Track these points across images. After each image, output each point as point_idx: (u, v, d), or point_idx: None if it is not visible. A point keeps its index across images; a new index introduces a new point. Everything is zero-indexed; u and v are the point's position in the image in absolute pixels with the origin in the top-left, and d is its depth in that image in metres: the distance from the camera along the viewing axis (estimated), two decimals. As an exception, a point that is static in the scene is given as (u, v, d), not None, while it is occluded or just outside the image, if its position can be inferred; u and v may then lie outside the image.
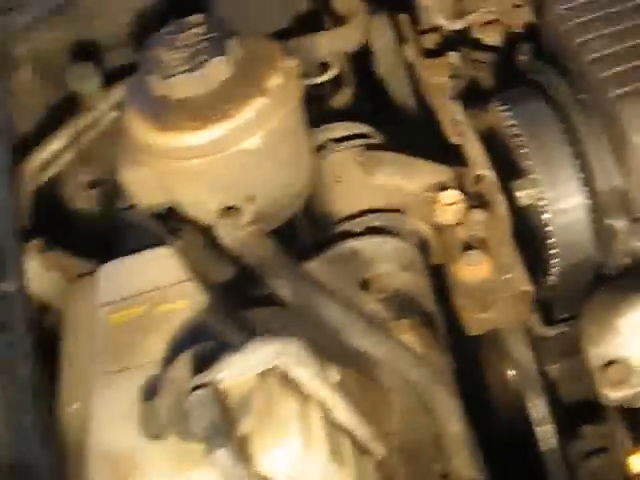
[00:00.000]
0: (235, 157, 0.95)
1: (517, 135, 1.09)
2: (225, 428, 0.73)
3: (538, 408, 1.23)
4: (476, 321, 1.17)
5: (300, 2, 1.44)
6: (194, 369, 0.78)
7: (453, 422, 1.09)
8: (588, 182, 1.03)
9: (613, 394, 0.99)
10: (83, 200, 1.24)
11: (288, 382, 0.81)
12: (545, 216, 1.05)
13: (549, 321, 1.22)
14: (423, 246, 1.18)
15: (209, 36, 0.95)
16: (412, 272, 1.15)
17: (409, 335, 1.14)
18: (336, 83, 1.39)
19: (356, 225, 1.14)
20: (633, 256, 1.04)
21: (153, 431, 0.79)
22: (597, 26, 1.05)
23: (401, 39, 1.42)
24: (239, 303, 0.97)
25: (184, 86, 0.93)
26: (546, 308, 1.22)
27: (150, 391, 0.82)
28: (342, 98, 1.39)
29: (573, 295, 1.13)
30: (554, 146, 1.05)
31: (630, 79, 0.99)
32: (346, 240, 1.12)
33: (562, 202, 1.05)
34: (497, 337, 1.27)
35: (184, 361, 0.80)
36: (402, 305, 1.14)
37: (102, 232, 1.17)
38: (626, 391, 0.98)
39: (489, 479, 1.12)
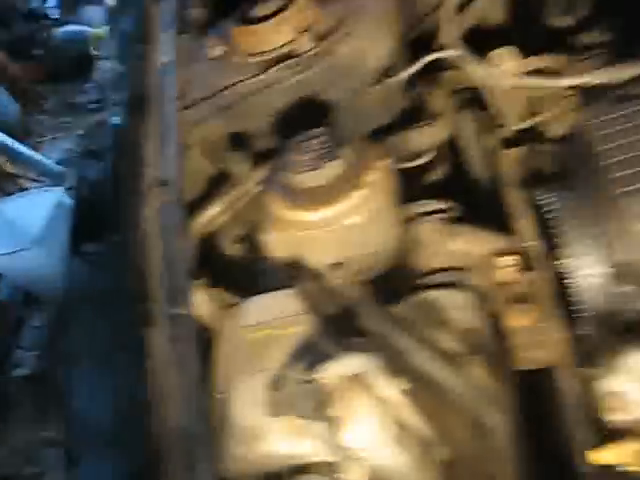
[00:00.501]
0: (341, 230, 1.34)
1: (558, 218, 1.41)
2: (323, 410, 1.11)
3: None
4: (526, 359, 1.50)
5: (399, 101, 1.73)
6: (304, 370, 1.17)
7: (503, 441, 1.42)
8: (606, 256, 1.35)
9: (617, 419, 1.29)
10: (234, 250, 1.65)
11: (368, 386, 1.19)
12: (574, 280, 1.37)
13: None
14: (486, 298, 1.53)
15: (328, 145, 1.35)
16: (477, 318, 1.49)
17: (479, 369, 1.49)
18: (429, 166, 1.75)
19: (434, 279, 1.50)
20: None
21: (276, 411, 1.18)
22: (618, 138, 1.35)
23: (482, 131, 1.78)
24: (341, 332, 1.35)
25: (309, 180, 1.33)
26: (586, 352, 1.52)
27: (274, 385, 1.21)
28: (433, 179, 1.75)
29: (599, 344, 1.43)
30: (582, 228, 1.37)
31: (636, 179, 1.28)
32: (426, 290, 1.49)
33: (587, 269, 1.36)
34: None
35: (298, 365, 1.19)
36: (471, 344, 1.49)
37: (248, 275, 1.57)
38: (622, 417, 1.27)
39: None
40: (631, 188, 1.26)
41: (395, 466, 1.23)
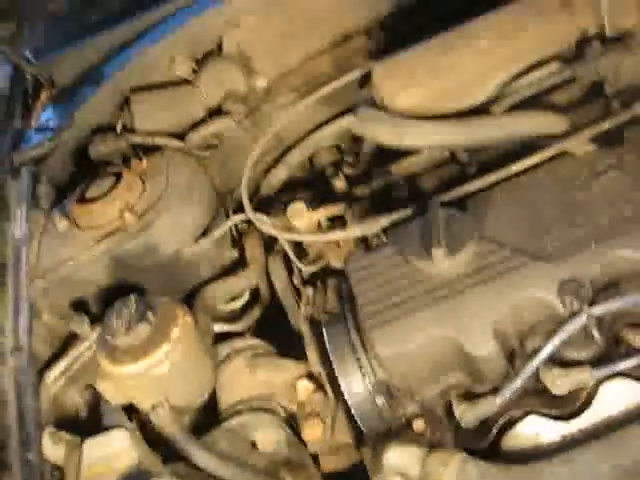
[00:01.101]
0: (153, 379, 1.66)
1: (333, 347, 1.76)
2: None
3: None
4: (328, 463, 1.84)
5: (224, 253, 2.04)
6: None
7: None
8: (366, 376, 1.68)
9: None
10: (81, 399, 1.93)
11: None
12: (345, 396, 1.70)
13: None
14: (290, 417, 1.85)
15: (139, 309, 1.69)
16: (283, 434, 1.82)
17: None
18: (246, 308, 2.07)
19: (243, 406, 1.82)
20: (401, 418, 1.67)
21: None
22: (369, 282, 1.63)
23: (290, 272, 2.12)
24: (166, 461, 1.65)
25: (123, 341, 1.66)
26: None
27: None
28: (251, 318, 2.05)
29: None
30: (348, 352, 1.67)
31: (380, 317, 1.54)
32: (236, 416, 1.81)
33: (352, 386, 1.62)
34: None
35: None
36: (280, 458, 1.79)
37: (92, 419, 1.83)
38: None
39: None
40: (376, 322, 1.57)
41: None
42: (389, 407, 1.62)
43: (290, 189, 2.14)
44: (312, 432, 1.73)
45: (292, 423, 1.79)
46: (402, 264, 1.60)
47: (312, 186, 2.13)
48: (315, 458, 1.75)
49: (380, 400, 1.63)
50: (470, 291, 1.54)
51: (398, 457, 1.53)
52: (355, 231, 1.83)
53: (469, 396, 1.56)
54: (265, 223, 1.93)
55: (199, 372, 1.71)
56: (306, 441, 1.75)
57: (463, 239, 1.57)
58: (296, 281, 1.96)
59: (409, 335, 1.48)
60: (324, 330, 1.69)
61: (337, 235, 1.84)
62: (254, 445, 1.74)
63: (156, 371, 1.62)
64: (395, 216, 1.75)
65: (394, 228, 1.71)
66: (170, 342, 1.63)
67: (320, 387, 1.79)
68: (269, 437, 1.75)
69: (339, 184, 2.02)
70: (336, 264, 1.87)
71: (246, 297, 2.03)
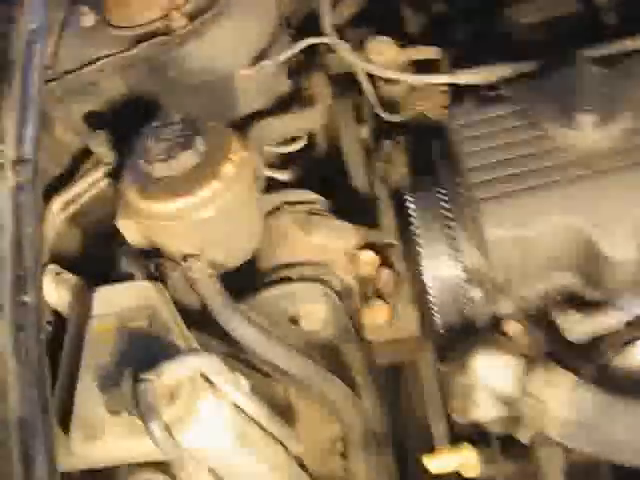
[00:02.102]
0: (193, 223, 1.30)
1: (418, 216, 1.41)
2: (158, 410, 1.08)
3: (439, 428, 1.55)
4: (382, 353, 1.52)
5: (274, 85, 1.69)
6: (145, 367, 1.13)
7: (356, 429, 1.44)
8: (459, 259, 1.36)
9: (460, 420, 1.32)
10: (92, 235, 1.60)
11: (208, 385, 1.17)
12: (425, 280, 1.38)
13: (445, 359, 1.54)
14: (345, 293, 1.53)
15: (183, 132, 1.31)
16: (335, 312, 1.49)
17: (337, 364, 1.49)
18: (299, 154, 1.73)
19: (293, 273, 1.48)
20: (490, 317, 1.36)
21: (114, 409, 1.15)
22: (479, 142, 1.33)
23: (359, 120, 1.77)
24: (191, 327, 1.33)
25: (162, 170, 1.29)
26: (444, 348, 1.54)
27: (113, 381, 1.17)
28: (302, 168, 1.72)
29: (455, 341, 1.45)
30: (437, 228, 1.37)
31: (493, 188, 1.26)
32: (283, 283, 1.48)
33: (438, 271, 1.37)
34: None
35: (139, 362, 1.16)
36: (328, 339, 1.50)
37: (103, 262, 1.51)
38: (469, 419, 1.30)
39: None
40: (488, 195, 1.26)
41: (242, 467, 1.23)
42: (478, 302, 1.32)
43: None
44: (374, 316, 1.42)
45: (347, 301, 1.48)
46: (527, 128, 1.32)
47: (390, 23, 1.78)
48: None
49: (469, 292, 1.31)
50: (617, 174, 1.23)
51: (488, 367, 1.20)
52: (461, 77, 1.47)
53: (576, 303, 1.29)
54: (347, 50, 1.52)
55: (248, 224, 1.39)
56: (364, 325, 1.45)
57: (618, 107, 1.25)
58: (366, 134, 1.70)
59: (529, 218, 1.23)
60: (409, 197, 1.40)
61: (439, 78, 1.44)
62: (293, 321, 1.45)
63: (199, 214, 1.27)
64: (516, 66, 1.46)
65: (515, 82, 1.44)
66: (222, 180, 1.27)
67: (387, 263, 1.48)
68: (316, 313, 1.46)
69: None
70: (429, 115, 1.58)
71: (302, 142, 1.71)
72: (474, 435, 1.38)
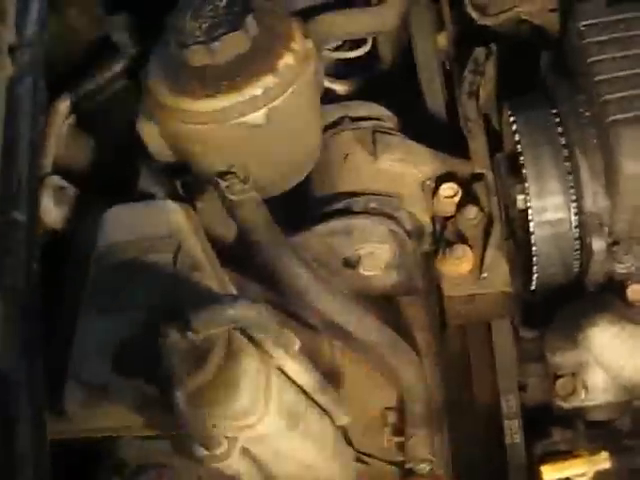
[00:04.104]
0: (237, 128, 1.01)
1: (518, 142, 1.12)
2: (183, 374, 0.81)
3: (509, 402, 1.29)
4: (457, 313, 1.24)
5: None
6: (168, 318, 0.85)
7: (418, 401, 1.17)
8: (576, 199, 1.07)
9: (563, 404, 1.05)
10: (106, 142, 1.31)
11: (250, 342, 0.88)
12: (530, 225, 1.09)
13: (530, 324, 1.27)
14: (417, 233, 1.24)
15: (231, 10, 1.00)
16: (402, 255, 1.21)
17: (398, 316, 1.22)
18: (366, 59, 1.43)
19: (355, 204, 1.20)
20: (607, 277, 1.08)
21: (124, 368, 0.88)
22: (612, 48, 1.06)
23: (438, 24, 1.45)
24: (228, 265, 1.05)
25: (200, 56, 0.99)
26: (531, 311, 1.27)
27: (128, 334, 0.90)
28: (369, 75, 1.43)
29: (551, 303, 1.17)
30: (549, 158, 1.09)
31: (632, 106, 1.01)
32: (342, 217, 1.19)
33: (548, 214, 1.09)
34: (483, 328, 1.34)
35: (158, 308, 0.88)
36: (392, 286, 1.22)
37: (117, 176, 1.24)
38: (574, 404, 1.03)
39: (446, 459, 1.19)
40: (626, 116, 0.96)
41: (283, 444, 0.98)
42: (596, 257, 1.04)
43: None
44: (454, 264, 1.16)
45: (418, 244, 1.24)
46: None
47: None
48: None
49: (586, 242, 0.99)
50: None
51: (609, 342, 0.92)
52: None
53: None
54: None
55: (305, 137, 1.14)
56: (439, 276, 1.20)
57: None
58: (445, 41, 1.40)
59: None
60: (515, 116, 1.12)
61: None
62: (354, 261, 1.20)
63: (245, 118, 0.99)
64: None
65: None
66: (278, 74, 0.98)
67: (473, 199, 1.21)
68: (378, 256, 1.20)
69: None
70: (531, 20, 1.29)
71: (367, 47, 1.41)
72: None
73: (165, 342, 0.82)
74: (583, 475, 1.00)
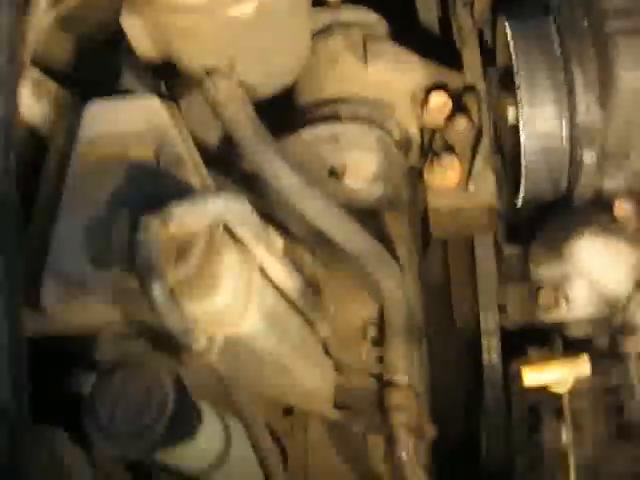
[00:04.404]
0: (226, 21, 0.96)
1: (512, 50, 1.09)
2: (161, 267, 0.78)
3: (488, 319, 1.28)
4: (442, 226, 1.21)
5: None
6: (149, 211, 0.82)
7: (399, 315, 1.15)
8: (568, 110, 1.04)
9: (543, 316, 1.04)
10: (85, 37, 1.25)
11: (232, 239, 0.86)
12: (521, 137, 1.06)
13: (514, 241, 1.25)
14: (405, 145, 1.21)
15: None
16: (389, 167, 1.18)
17: (382, 226, 1.20)
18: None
19: (342, 110, 1.16)
20: (595, 193, 1.06)
21: (101, 262, 0.85)
22: None
23: None
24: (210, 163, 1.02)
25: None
26: (515, 229, 1.26)
27: (104, 227, 0.87)
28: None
29: (536, 221, 1.16)
30: (543, 68, 1.05)
31: (631, 16, 0.98)
32: (330, 123, 1.15)
33: (539, 125, 1.06)
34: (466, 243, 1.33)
35: (139, 203, 0.85)
36: (377, 196, 1.19)
37: (98, 69, 1.18)
38: (555, 316, 1.02)
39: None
40: (625, 26, 0.93)
41: (263, 337, 0.96)
42: (586, 170, 0.98)
43: None
44: (442, 176, 1.12)
45: (406, 155, 1.21)
46: None
47: None
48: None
49: (577, 155, 0.97)
50: None
51: (595, 254, 0.90)
52: None
53: None
54: None
55: (294, 36, 1.08)
56: (427, 187, 1.16)
57: None
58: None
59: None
60: (509, 23, 1.09)
61: None
62: (339, 169, 1.16)
63: (233, 9, 0.94)
64: None
65: None
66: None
67: (463, 111, 1.18)
68: (365, 165, 1.17)
69: None
70: None
71: None
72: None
73: (146, 234, 0.79)
74: (562, 383, 1.00)
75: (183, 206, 0.80)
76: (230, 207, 0.82)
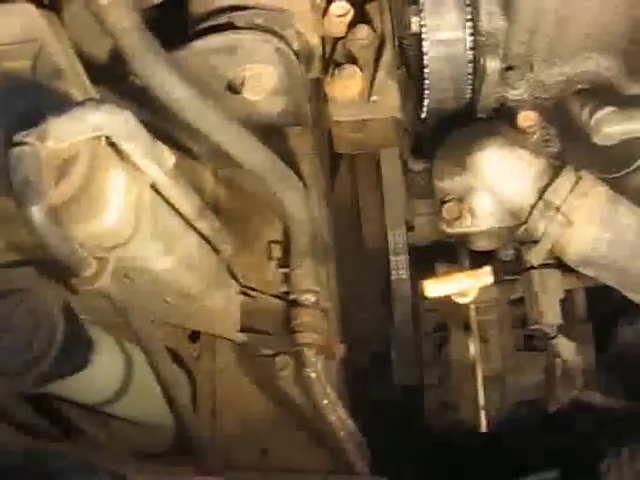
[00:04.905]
0: None
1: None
2: (41, 186, 0.72)
3: (396, 238, 1.26)
4: (345, 140, 1.17)
5: None
6: (26, 126, 0.75)
7: (304, 233, 1.12)
8: (472, 18, 1.00)
9: (448, 229, 1.02)
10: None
11: (118, 154, 0.80)
12: (424, 44, 1.02)
13: (420, 156, 1.23)
14: (306, 56, 1.15)
15: None
16: (289, 79, 1.12)
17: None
18: None
19: (238, 19, 1.09)
20: (498, 103, 1.04)
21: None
22: None
23: None
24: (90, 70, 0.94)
25: None
26: (420, 143, 1.23)
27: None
28: None
29: (441, 134, 1.13)
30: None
31: None
32: (225, 32, 1.08)
33: (442, 32, 1.02)
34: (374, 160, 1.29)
35: (14, 119, 0.78)
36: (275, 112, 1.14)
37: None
38: (460, 229, 1.01)
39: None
40: None
41: (159, 259, 0.91)
42: (490, 76, 0.94)
43: None
44: (343, 86, 1.09)
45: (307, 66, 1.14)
46: None
47: None
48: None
49: (482, 61, 0.96)
50: None
51: (498, 163, 0.90)
52: None
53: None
54: None
55: None
56: (330, 96, 1.12)
57: None
58: None
59: None
60: None
61: None
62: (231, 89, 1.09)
63: None
64: None
65: None
66: None
67: (365, 19, 1.13)
68: (264, 78, 1.09)
69: None
70: None
71: None
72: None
73: (22, 151, 0.73)
74: (466, 294, 0.99)
75: (60, 119, 0.73)
76: (112, 120, 0.75)
